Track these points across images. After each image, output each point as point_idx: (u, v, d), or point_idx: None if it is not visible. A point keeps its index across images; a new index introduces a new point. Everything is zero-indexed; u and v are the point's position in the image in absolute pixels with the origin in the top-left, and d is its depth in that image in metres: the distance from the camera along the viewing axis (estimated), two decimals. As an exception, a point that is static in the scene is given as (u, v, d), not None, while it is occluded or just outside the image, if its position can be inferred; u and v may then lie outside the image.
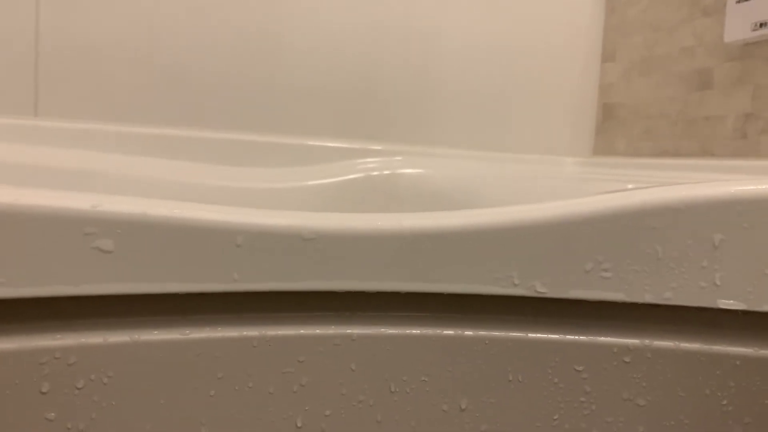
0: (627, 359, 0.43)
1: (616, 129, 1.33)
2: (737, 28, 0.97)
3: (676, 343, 0.43)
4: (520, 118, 1.36)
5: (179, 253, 0.36)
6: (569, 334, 0.43)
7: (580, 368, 0.43)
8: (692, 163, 1.02)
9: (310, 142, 1.07)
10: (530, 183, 1.11)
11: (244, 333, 0.39)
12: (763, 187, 0.41)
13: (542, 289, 0.41)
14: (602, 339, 0.43)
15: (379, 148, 1.16)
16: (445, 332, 0.42)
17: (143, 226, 0.36)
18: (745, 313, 0.42)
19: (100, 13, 1.06)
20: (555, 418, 0.43)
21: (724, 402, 0.43)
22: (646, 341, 0.43)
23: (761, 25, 0.94)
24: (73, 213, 0.35)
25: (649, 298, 0.42)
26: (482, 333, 0.42)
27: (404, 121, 1.26)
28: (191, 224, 0.36)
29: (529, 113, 1.37)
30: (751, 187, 0.42)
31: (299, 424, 0.40)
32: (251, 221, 0.37)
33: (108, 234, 0.35)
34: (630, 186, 0.92)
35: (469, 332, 0.42)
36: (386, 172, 1.14)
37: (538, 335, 0.42)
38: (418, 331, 0.41)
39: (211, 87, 1.14)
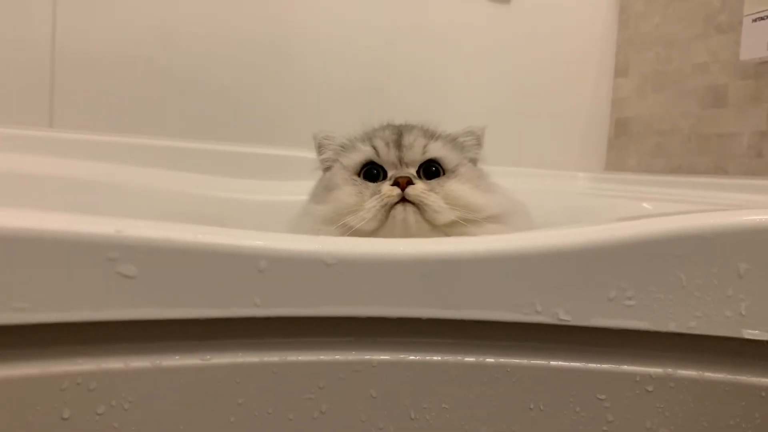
0: (650, 388, 0.42)
1: (628, 144, 1.32)
2: (753, 46, 0.97)
3: (700, 372, 0.42)
4: (532, 132, 1.36)
5: (202, 278, 0.36)
6: (591, 362, 0.42)
7: (603, 397, 0.42)
8: (705, 181, 1.01)
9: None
10: (542, 198, 1.11)
11: (265, 359, 0.38)
12: (790, 216, 0.41)
13: (565, 316, 0.41)
14: (625, 367, 0.42)
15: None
16: (466, 359, 0.41)
17: (166, 251, 0.36)
18: (770, 343, 0.42)
19: (115, 27, 1.07)
20: (576, 447, 0.42)
21: (749, 433, 0.43)
22: (669, 370, 0.42)
23: (777, 43, 0.93)
24: (97, 238, 0.34)
25: (673, 327, 0.41)
26: (503, 360, 0.41)
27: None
28: (214, 249, 0.36)
29: (541, 128, 1.36)
30: (778, 216, 0.41)
31: (318, 451, 0.40)
32: (274, 246, 0.37)
33: (131, 259, 0.35)
34: (645, 205, 0.92)
35: (490, 359, 0.41)
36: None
37: (560, 363, 0.42)
38: (439, 358, 0.41)
39: (225, 100, 1.14)
